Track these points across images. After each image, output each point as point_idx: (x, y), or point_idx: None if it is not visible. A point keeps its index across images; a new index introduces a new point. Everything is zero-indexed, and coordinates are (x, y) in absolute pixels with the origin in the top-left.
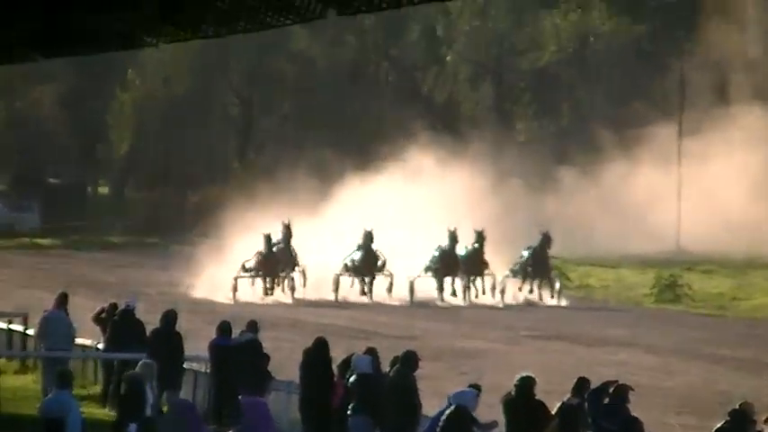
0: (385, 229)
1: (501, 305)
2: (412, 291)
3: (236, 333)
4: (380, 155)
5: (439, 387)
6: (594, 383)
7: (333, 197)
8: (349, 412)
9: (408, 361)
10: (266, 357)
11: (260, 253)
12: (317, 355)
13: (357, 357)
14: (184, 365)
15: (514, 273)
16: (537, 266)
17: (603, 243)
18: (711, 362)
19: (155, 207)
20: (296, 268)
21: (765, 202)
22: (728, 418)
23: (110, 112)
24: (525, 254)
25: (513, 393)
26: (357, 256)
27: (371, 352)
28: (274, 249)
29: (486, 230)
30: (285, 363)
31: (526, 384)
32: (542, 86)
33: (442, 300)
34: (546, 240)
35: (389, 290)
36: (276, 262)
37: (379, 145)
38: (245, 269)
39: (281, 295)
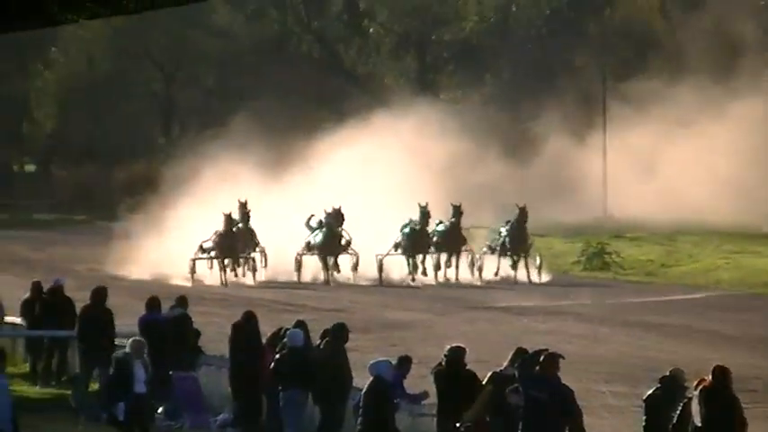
0: (337, 205)
1: (479, 283)
2: (381, 270)
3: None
4: (314, 129)
5: (369, 359)
6: None
7: (273, 173)
8: (280, 386)
9: (338, 333)
10: (196, 332)
11: (218, 233)
12: (245, 328)
13: (290, 331)
14: (115, 342)
15: (492, 249)
16: (515, 242)
17: (532, 212)
18: (640, 329)
19: (81, 184)
20: (256, 248)
21: (692, 170)
22: (659, 385)
23: (34, 90)
24: (503, 230)
25: (443, 364)
26: (320, 234)
27: (301, 325)
28: (234, 230)
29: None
30: (215, 337)
31: (456, 355)
32: (465, 57)
33: (413, 280)
34: (523, 215)
35: (355, 268)
36: (236, 242)
37: (310, 119)
38: (202, 249)
39: (241, 277)
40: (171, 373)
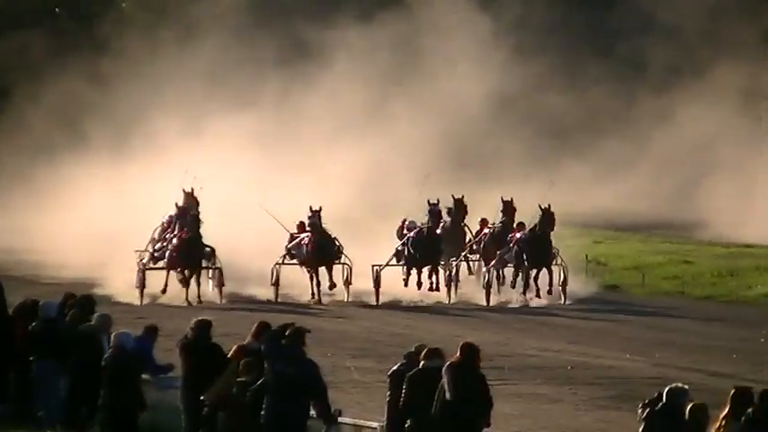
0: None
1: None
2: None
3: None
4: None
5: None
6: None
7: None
8: (32, 357)
9: (84, 305)
10: None
11: (181, 236)
12: None
13: (44, 302)
14: None
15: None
16: (536, 253)
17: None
18: (389, 307)
19: None
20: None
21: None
22: (404, 361)
23: None
24: (519, 235)
25: (188, 337)
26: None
27: (68, 297)
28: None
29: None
30: None
31: (202, 327)
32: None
33: (423, 291)
34: (547, 219)
35: (348, 282)
36: (201, 250)
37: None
38: (154, 258)
39: (204, 292)
40: None
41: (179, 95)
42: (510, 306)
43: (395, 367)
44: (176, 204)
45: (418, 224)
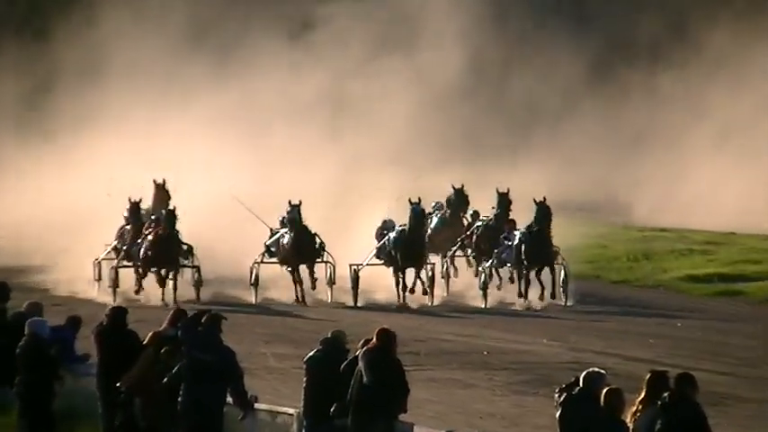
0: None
1: (482, 305)
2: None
3: None
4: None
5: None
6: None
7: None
8: None
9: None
10: None
11: (157, 232)
12: None
13: None
14: None
15: (501, 260)
16: (535, 251)
17: None
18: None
19: None
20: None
21: None
22: (320, 347)
23: None
24: (517, 233)
25: (104, 323)
26: (285, 237)
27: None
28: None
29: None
30: None
31: (117, 314)
32: None
33: (403, 301)
34: (544, 213)
35: (331, 282)
36: (177, 248)
37: None
38: (128, 255)
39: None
40: None
41: (144, 73)
42: (511, 308)
43: (311, 353)
44: (129, 199)
45: (397, 224)
